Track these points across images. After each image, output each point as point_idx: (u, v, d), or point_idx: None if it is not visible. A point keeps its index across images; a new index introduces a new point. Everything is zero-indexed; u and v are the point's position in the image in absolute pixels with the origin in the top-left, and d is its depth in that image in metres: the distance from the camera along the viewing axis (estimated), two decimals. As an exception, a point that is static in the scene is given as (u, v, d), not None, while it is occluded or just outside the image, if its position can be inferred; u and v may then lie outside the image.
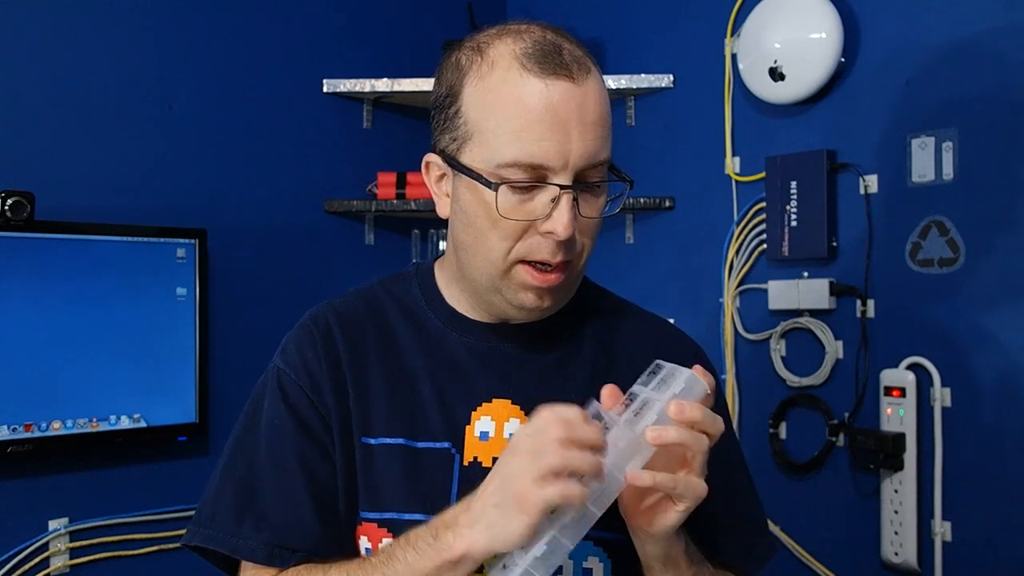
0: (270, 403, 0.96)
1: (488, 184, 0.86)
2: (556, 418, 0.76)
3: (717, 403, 1.01)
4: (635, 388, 0.85)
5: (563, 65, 0.85)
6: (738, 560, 0.99)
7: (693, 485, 0.78)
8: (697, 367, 0.82)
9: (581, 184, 0.86)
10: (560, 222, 0.85)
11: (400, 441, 0.92)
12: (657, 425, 0.77)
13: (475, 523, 0.78)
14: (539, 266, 0.88)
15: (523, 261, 0.88)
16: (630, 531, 0.85)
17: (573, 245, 0.88)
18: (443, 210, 0.95)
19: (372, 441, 0.92)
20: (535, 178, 0.85)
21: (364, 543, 0.91)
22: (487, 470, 0.89)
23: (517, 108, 0.85)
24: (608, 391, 0.83)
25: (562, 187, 0.85)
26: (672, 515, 0.80)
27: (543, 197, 0.86)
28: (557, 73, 0.85)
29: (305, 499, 0.91)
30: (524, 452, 0.76)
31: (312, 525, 0.91)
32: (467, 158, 0.88)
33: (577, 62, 0.87)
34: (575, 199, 0.86)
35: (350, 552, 0.92)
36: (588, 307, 1.01)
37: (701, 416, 0.78)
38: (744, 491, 1.03)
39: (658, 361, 0.86)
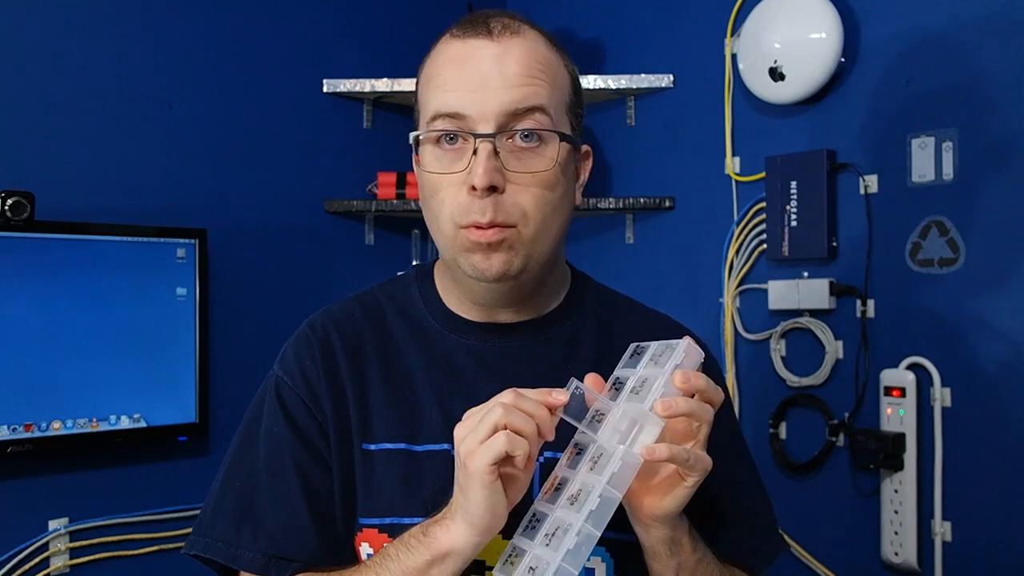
0: (268, 411, 0.96)
1: (416, 145, 0.89)
2: (508, 390, 0.77)
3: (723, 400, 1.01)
4: (619, 372, 0.84)
5: (486, 29, 0.88)
6: (744, 556, 0.98)
7: (701, 457, 0.78)
8: (687, 337, 0.82)
9: (504, 133, 0.86)
10: (475, 172, 0.84)
11: (401, 446, 0.92)
12: (665, 397, 0.77)
13: (455, 514, 0.79)
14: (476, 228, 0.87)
15: (463, 226, 0.87)
16: (633, 517, 0.84)
17: (503, 204, 0.86)
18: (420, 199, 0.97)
19: (372, 447, 0.92)
20: (457, 129, 0.86)
21: (366, 549, 0.91)
22: None
23: (439, 68, 0.89)
24: (592, 379, 0.83)
25: (476, 136, 0.85)
26: (681, 491, 0.79)
27: (467, 152, 0.86)
28: (479, 35, 0.88)
29: (302, 508, 0.91)
30: (471, 420, 0.77)
31: (309, 534, 0.91)
32: (418, 131, 0.92)
33: (503, 26, 0.89)
34: (496, 151, 0.85)
35: (347, 560, 0.92)
36: (588, 304, 1.01)
37: (705, 384, 0.78)
38: (750, 486, 1.02)
39: (636, 344, 0.86)
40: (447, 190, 0.87)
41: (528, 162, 0.87)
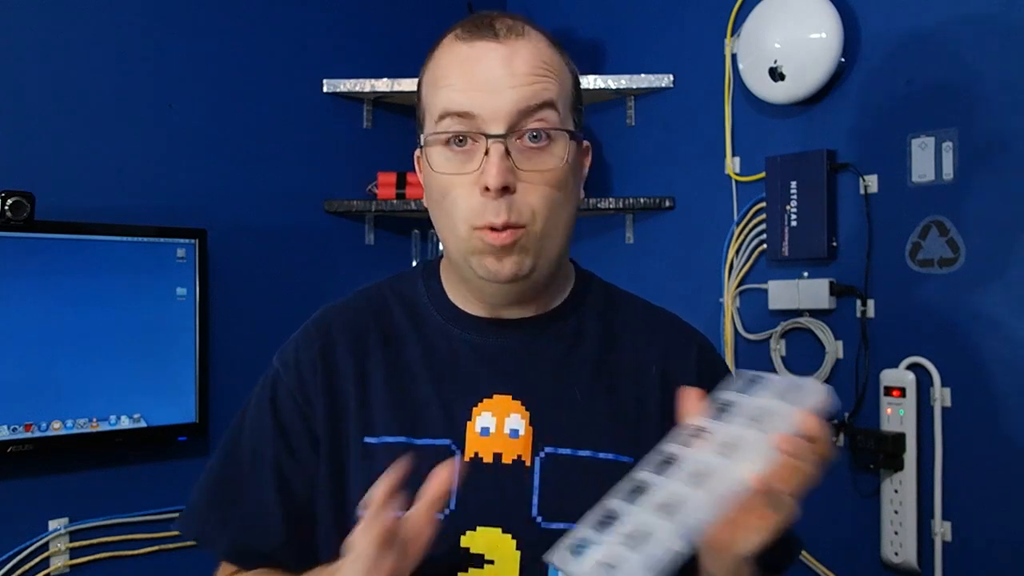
0: (261, 402, 0.98)
1: (424, 144, 0.89)
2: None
3: None
4: (728, 396, 0.80)
5: (491, 32, 0.88)
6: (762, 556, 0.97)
7: (790, 505, 0.74)
8: (823, 384, 0.77)
9: (513, 134, 0.86)
10: (489, 173, 0.84)
11: (401, 439, 0.92)
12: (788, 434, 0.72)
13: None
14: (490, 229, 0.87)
15: (476, 227, 0.87)
16: (701, 547, 0.81)
17: (514, 204, 0.86)
18: (425, 199, 0.96)
19: (374, 440, 0.93)
20: (466, 129, 0.86)
21: None
22: (487, 465, 0.90)
23: (446, 69, 0.89)
24: (693, 394, 0.80)
25: (488, 136, 0.85)
26: (756, 535, 0.75)
27: (478, 153, 0.86)
28: (484, 37, 0.88)
29: (273, 503, 0.94)
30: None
31: (276, 530, 0.93)
32: (424, 134, 0.92)
33: (508, 28, 0.89)
34: (507, 151, 0.85)
35: (310, 562, 0.94)
36: (592, 300, 1.01)
37: (827, 438, 0.74)
38: None
39: (753, 372, 0.82)
40: (458, 191, 0.87)
41: (538, 161, 0.87)
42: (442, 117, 0.87)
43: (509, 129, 0.86)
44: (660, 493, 0.73)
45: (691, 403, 0.80)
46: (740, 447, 0.73)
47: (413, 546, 0.77)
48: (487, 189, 0.85)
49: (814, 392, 0.75)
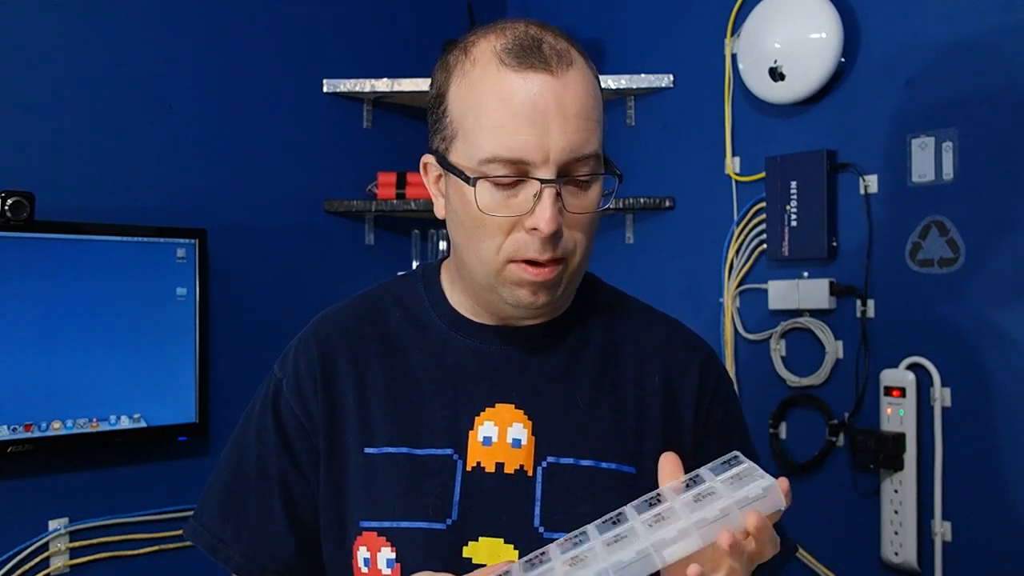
0: (263, 411, 0.98)
1: (468, 181, 0.85)
2: None
3: (732, 408, 1.01)
4: (703, 472, 0.79)
5: (542, 59, 0.84)
6: None
7: None
8: (781, 482, 0.77)
9: (564, 178, 0.85)
10: (542, 218, 0.83)
11: (403, 450, 0.91)
12: (729, 526, 0.73)
13: None
14: (530, 263, 0.87)
15: (514, 260, 0.87)
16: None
17: (561, 241, 0.86)
18: (440, 210, 0.95)
19: (374, 451, 0.92)
20: (516, 172, 0.84)
21: (363, 553, 0.90)
22: (490, 475, 0.90)
23: (495, 103, 0.84)
24: (670, 461, 0.80)
25: (543, 181, 0.84)
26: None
27: (526, 193, 0.85)
28: (535, 67, 0.84)
29: (281, 516, 0.94)
30: None
31: (287, 542, 0.94)
32: (453, 156, 0.88)
33: (558, 55, 0.85)
34: (559, 193, 0.84)
35: (320, 571, 0.94)
36: (596, 308, 1.00)
37: (770, 539, 0.75)
38: None
39: (739, 455, 0.81)
40: (498, 225, 0.86)
41: (579, 202, 0.87)
42: (490, 160, 0.84)
43: (559, 174, 0.85)
44: (582, 549, 0.75)
45: (666, 471, 0.80)
46: (666, 519, 0.74)
47: None
48: (535, 229, 0.84)
49: (763, 487, 0.75)
